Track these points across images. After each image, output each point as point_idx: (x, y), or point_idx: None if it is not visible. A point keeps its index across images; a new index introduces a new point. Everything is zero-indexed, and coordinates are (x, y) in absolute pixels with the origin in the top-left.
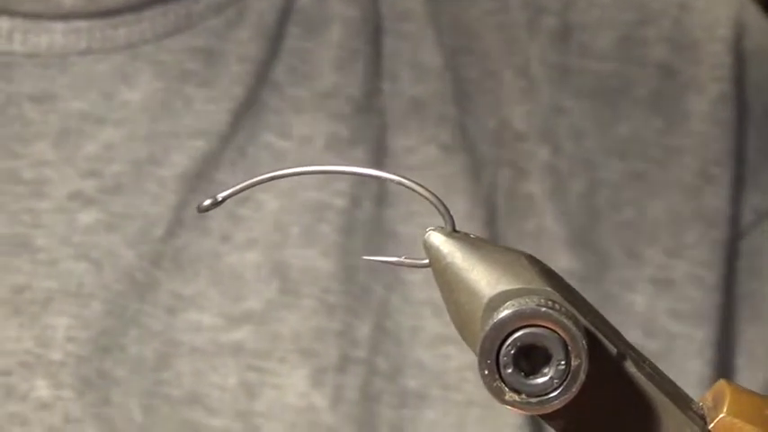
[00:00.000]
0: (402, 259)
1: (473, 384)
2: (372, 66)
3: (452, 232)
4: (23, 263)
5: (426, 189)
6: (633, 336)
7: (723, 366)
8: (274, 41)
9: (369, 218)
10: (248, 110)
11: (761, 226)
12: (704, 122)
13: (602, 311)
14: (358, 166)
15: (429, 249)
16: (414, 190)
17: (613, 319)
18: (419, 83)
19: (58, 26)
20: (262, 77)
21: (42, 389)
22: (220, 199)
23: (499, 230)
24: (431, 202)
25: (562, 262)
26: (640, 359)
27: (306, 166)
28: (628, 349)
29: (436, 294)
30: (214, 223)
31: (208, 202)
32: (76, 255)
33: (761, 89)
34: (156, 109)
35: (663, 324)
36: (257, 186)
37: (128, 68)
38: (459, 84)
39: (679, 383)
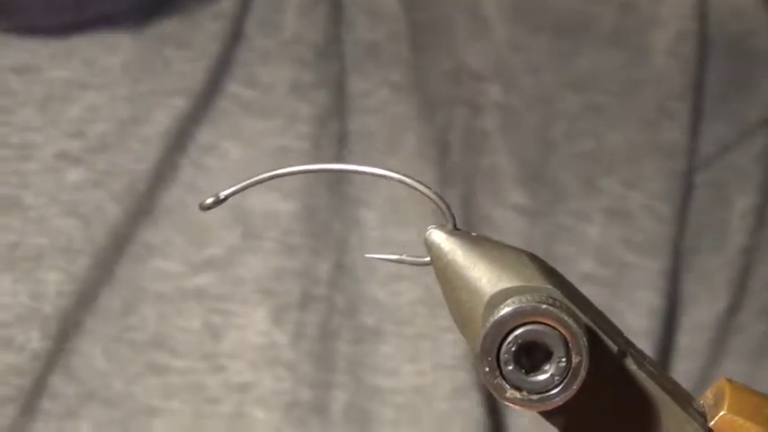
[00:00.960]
0: (403, 257)
1: (422, 317)
2: (332, 13)
3: (453, 230)
4: (14, 220)
5: (427, 187)
6: (586, 265)
7: (679, 296)
8: None
9: (330, 159)
10: (223, 65)
11: (726, 157)
12: (665, 57)
13: (554, 242)
14: (320, 109)
15: (430, 247)
16: (415, 188)
17: (566, 249)
18: (375, 28)
19: (37, 3)
20: (234, 33)
21: (35, 341)
22: (222, 197)
23: (452, 168)
24: (432, 200)
25: (514, 198)
26: (641, 357)
27: (269, 113)
28: (628, 347)
29: (390, 233)
30: (182, 174)
31: (210, 200)
32: (65, 211)
33: (724, 23)
34: (137, 71)
35: (616, 253)
36: (221, 135)
37: (108, 37)
38: (415, 27)
39: (630, 313)
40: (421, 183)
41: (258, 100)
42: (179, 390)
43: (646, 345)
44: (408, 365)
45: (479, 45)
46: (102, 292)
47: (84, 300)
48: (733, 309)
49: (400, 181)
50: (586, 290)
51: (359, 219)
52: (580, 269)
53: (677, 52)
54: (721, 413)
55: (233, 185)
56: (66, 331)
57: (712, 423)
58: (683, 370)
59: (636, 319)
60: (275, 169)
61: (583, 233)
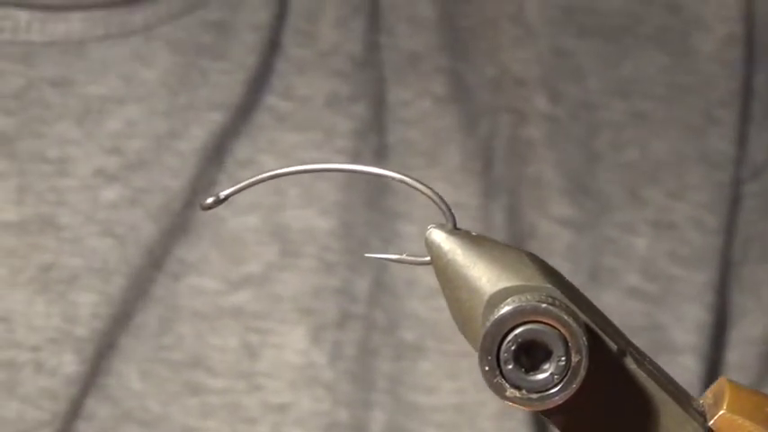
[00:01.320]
0: (403, 256)
1: None
2: (371, 21)
3: (454, 229)
4: (49, 241)
5: (427, 186)
6: (633, 279)
7: (727, 309)
8: (281, 4)
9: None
10: (260, 77)
11: None
12: (711, 62)
13: (601, 255)
14: (358, 122)
15: (430, 246)
16: (416, 188)
17: (612, 262)
18: (415, 35)
19: (75, 15)
20: (271, 43)
21: (70, 365)
22: (223, 197)
23: (497, 178)
24: (432, 201)
25: (559, 209)
26: (640, 356)
27: (305, 126)
28: (628, 346)
29: None
30: (220, 189)
31: (210, 200)
32: (101, 231)
33: None
34: (174, 84)
35: (662, 267)
36: (259, 149)
37: (144, 50)
38: (456, 34)
39: (677, 327)
40: (421, 182)
41: (295, 112)
42: (216, 410)
43: (693, 361)
44: (448, 383)
45: (523, 51)
46: (138, 311)
47: (120, 321)
48: None
49: (401, 180)
50: (633, 304)
51: (399, 233)
52: (626, 283)
53: (724, 57)
54: (721, 412)
55: (269, 202)
56: (101, 353)
57: (712, 422)
58: None
59: (682, 335)
60: (311, 186)
61: (629, 246)
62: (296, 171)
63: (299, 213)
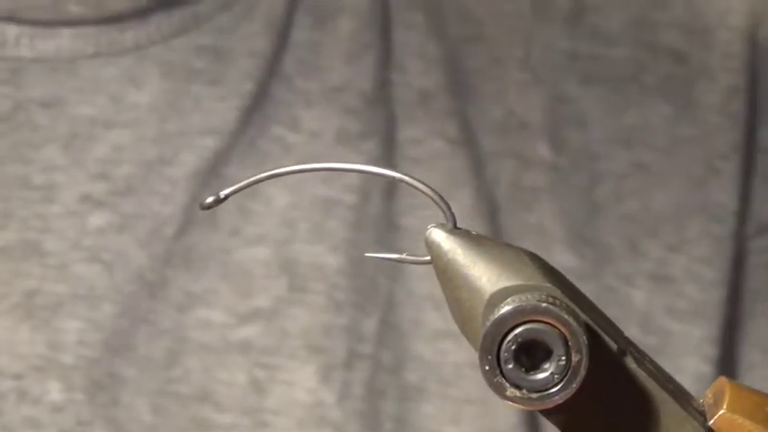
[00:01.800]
0: (403, 256)
1: (470, 381)
2: (382, 58)
3: (453, 229)
4: (34, 267)
5: (428, 186)
6: (631, 332)
7: (733, 362)
8: (283, 34)
9: (377, 212)
10: (258, 104)
11: None
12: (714, 113)
13: (601, 305)
14: (368, 160)
15: (430, 246)
16: (416, 187)
17: (612, 313)
18: (426, 74)
19: (65, 32)
20: (271, 71)
21: (55, 392)
22: (223, 196)
23: (502, 224)
24: (433, 200)
25: (560, 258)
26: (641, 355)
27: (314, 161)
28: (628, 345)
29: (437, 288)
30: (224, 219)
31: (210, 199)
32: (87, 258)
33: None
34: (165, 109)
35: (660, 321)
36: (268, 181)
37: (135, 70)
38: (464, 74)
39: (678, 380)
40: (421, 182)
41: (303, 145)
42: None
43: None
44: (450, 427)
45: (528, 96)
46: (142, 342)
47: (118, 349)
48: None
49: (401, 180)
50: None
51: (406, 272)
52: (626, 335)
53: (727, 108)
54: (721, 412)
55: (279, 235)
56: (100, 382)
57: (712, 422)
58: None
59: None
60: (321, 222)
61: (627, 298)
62: (296, 171)
63: (309, 249)
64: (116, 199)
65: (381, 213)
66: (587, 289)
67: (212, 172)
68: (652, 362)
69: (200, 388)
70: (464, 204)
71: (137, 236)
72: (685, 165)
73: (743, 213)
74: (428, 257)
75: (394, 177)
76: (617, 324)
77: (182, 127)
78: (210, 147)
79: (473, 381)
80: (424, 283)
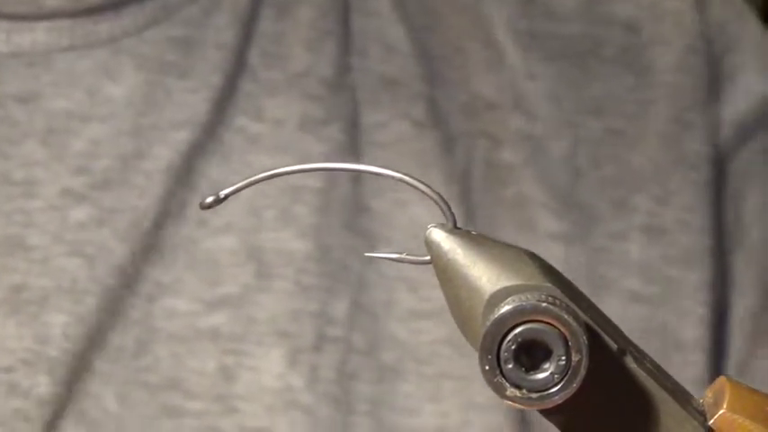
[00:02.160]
0: (403, 256)
1: (446, 358)
2: (342, 44)
3: (453, 229)
4: (19, 262)
5: (427, 186)
6: (632, 284)
7: (722, 304)
8: (248, 25)
9: (345, 196)
10: (226, 97)
11: (746, 147)
12: (673, 73)
13: (597, 265)
14: (332, 145)
15: (430, 246)
16: (416, 187)
17: (610, 270)
18: (387, 61)
19: (41, 25)
20: (238, 63)
21: (43, 386)
22: (222, 196)
23: (475, 202)
24: (433, 200)
25: (547, 225)
26: (640, 355)
27: (279, 149)
28: (628, 345)
29: (409, 269)
30: (192, 210)
31: (210, 199)
32: (70, 251)
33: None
34: (140, 103)
35: (659, 269)
36: (233, 170)
37: (110, 63)
38: (428, 62)
39: (683, 325)
40: (421, 182)
41: (267, 134)
42: None
43: (700, 357)
44: (429, 405)
45: (494, 76)
46: (113, 333)
47: (94, 341)
48: (763, 307)
49: (401, 180)
50: (637, 308)
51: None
52: (627, 288)
53: (686, 65)
54: (721, 411)
55: (245, 224)
56: (76, 374)
57: (712, 421)
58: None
59: (689, 331)
60: (287, 208)
61: (623, 253)
62: (296, 171)
63: (276, 235)
64: (96, 193)
65: (349, 197)
66: (580, 251)
67: (186, 165)
68: (652, 361)
69: (170, 376)
70: (434, 186)
71: (116, 229)
72: (656, 125)
73: (713, 156)
74: (428, 257)
75: (394, 177)
76: (619, 279)
77: (156, 120)
78: (184, 140)
79: (450, 358)
80: (395, 264)
